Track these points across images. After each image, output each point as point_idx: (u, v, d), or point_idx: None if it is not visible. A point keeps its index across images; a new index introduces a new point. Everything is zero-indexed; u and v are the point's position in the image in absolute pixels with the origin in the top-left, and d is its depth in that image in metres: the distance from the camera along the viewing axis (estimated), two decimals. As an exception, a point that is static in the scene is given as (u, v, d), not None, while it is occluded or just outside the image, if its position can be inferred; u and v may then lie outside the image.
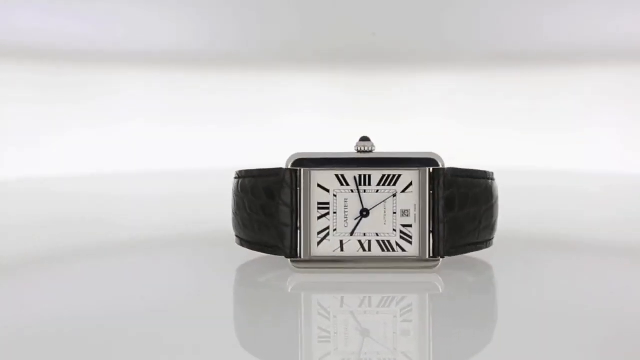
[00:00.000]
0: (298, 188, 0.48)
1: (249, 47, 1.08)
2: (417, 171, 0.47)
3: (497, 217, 0.50)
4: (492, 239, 0.51)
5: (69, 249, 0.61)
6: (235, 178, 0.51)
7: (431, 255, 0.47)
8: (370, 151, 0.49)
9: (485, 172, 0.50)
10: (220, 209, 0.69)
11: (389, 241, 0.48)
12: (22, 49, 0.99)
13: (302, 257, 0.49)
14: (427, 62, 1.09)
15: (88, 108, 1.01)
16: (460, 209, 0.48)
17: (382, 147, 1.02)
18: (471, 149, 1.03)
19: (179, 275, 0.52)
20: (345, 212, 0.48)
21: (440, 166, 0.47)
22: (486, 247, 0.50)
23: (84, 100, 1.00)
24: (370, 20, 1.07)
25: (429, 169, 0.47)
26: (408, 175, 0.48)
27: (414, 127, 1.07)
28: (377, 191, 0.48)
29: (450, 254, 0.48)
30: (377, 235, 0.48)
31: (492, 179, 0.50)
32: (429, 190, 0.47)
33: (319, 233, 0.49)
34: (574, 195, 0.89)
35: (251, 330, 0.41)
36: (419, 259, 0.48)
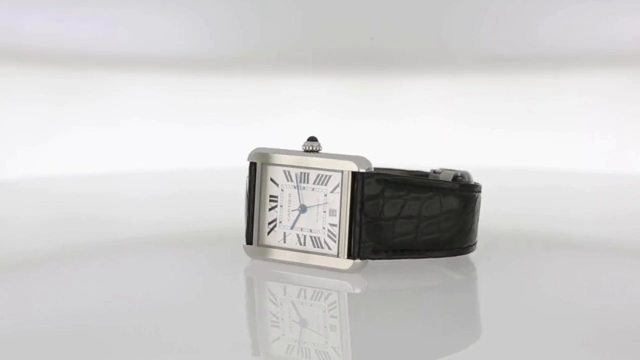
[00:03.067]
0: (255, 180, 0.52)
1: (251, 51, 1.09)
2: (341, 173, 0.49)
3: (458, 229, 0.51)
4: (453, 249, 0.52)
5: (77, 247, 0.62)
6: None
7: (348, 256, 0.49)
8: (316, 151, 0.51)
9: (441, 183, 0.51)
10: (224, 208, 0.71)
11: (319, 238, 0.50)
12: (33, 53, 1.01)
13: (254, 244, 0.52)
14: (425, 65, 1.10)
15: (95, 109, 1.02)
16: (387, 214, 0.49)
17: (382, 147, 1.03)
18: (469, 149, 1.04)
19: (181, 274, 0.53)
20: (289, 206, 0.51)
21: (362, 170, 0.48)
22: (435, 256, 0.51)
23: (92, 102, 1.02)
24: (369, 25, 1.08)
25: (350, 172, 0.49)
26: (336, 177, 0.49)
27: (414, 128, 1.08)
28: (313, 189, 0.50)
29: (371, 258, 0.50)
30: (311, 231, 0.51)
31: (463, 192, 0.51)
32: (350, 193, 0.49)
33: (269, 223, 0.52)
34: (566, 194, 0.90)
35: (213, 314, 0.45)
36: (337, 258, 0.50)
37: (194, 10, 1.06)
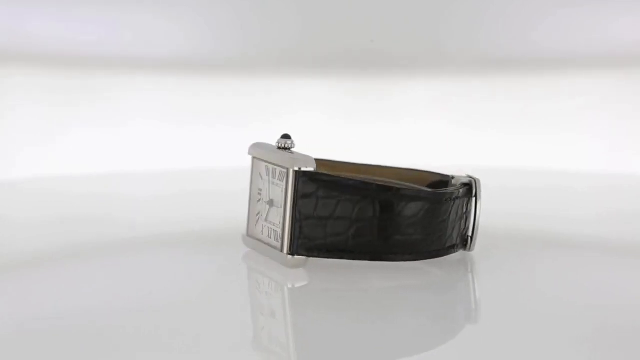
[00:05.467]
0: (251, 173, 0.55)
1: (252, 52, 1.09)
2: (286, 171, 0.51)
3: (401, 236, 0.51)
4: (392, 254, 0.52)
5: (77, 247, 0.62)
6: None
7: (289, 252, 0.51)
8: (288, 148, 0.52)
9: (371, 186, 0.51)
10: (224, 208, 0.71)
11: (277, 232, 0.52)
12: (35, 54, 1.01)
13: (247, 234, 0.55)
14: (424, 66, 1.10)
15: (96, 110, 1.02)
16: (321, 213, 0.50)
17: (381, 148, 1.03)
18: (468, 149, 1.05)
19: (182, 274, 0.54)
20: (265, 199, 0.54)
21: (304, 169, 0.50)
22: (370, 259, 0.52)
23: (93, 103, 1.02)
24: (368, 27, 1.08)
25: (293, 170, 0.50)
26: (286, 174, 0.51)
27: (413, 128, 1.08)
28: (277, 185, 0.52)
29: (305, 255, 0.51)
30: (274, 225, 0.52)
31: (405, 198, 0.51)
32: (293, 190, 0.50)
33: (256, 215, 0.54)
34: (564, 194, 0.91)
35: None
36: (281, 253, 0.51)
37: (195, 12, 1.07)
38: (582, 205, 0.84)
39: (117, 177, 0.94)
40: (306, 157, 0.51)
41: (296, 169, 0.50)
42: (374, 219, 0.50)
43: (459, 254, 0.55)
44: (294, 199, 0.50)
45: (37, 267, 0.55)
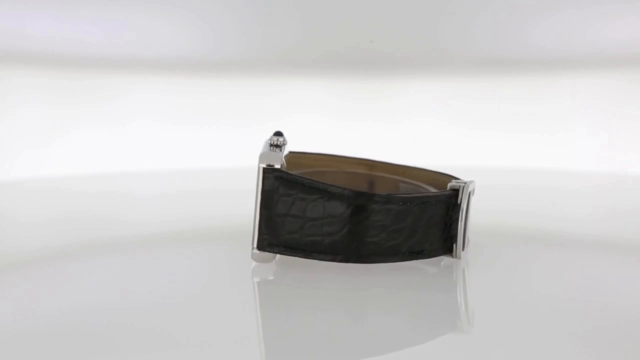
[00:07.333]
0: None
1: (253, 54, 1.09)
2: (258, 167, 0.51)
3: (343, 236, 0.51)
4: (341, 255, 0.51)
5: (82, 244, 0.62)
6: None
7: (257, 246, 0.51)
8: (279, 146, 0.52)
9: (329, 187, 0.51)
10: (224, 206, 0.71)
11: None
12: (38, 55, 1.01)
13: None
14: (423, 67, 1.10)
15: (99, 111, 1.02)
16: (279, 210, 0.51)
17: (381, 148, 1.03)
18: (466, 149, 1.05)
19: (184, 271, 0.54)
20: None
21: (274, 166, 0.51)
22: (320, 259, 0.51)
23: (96, 104, 1.02)
24: (368, 29, 1.09)
25: (260, 167, 0.51)
26: (258, 170, 0.51)
27: (412, 129, 1.09)
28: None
29: (267, 250, 0.52)
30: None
31: (351, 199, 0.51)
32: (261, 186, 0.51)
33: None
34: (560, 193, 0.91)
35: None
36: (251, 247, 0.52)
37: (198, 15, 1.07)
38: (581, 204, 0.84)
39: (117, 176, 0.95)
40: (275, 155, 0.51)
41: (263, 165, 0.50)
42: (322, 218, 0.51)
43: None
44: (261, 195, 0.51)
45: (37, 267, 0.55)
